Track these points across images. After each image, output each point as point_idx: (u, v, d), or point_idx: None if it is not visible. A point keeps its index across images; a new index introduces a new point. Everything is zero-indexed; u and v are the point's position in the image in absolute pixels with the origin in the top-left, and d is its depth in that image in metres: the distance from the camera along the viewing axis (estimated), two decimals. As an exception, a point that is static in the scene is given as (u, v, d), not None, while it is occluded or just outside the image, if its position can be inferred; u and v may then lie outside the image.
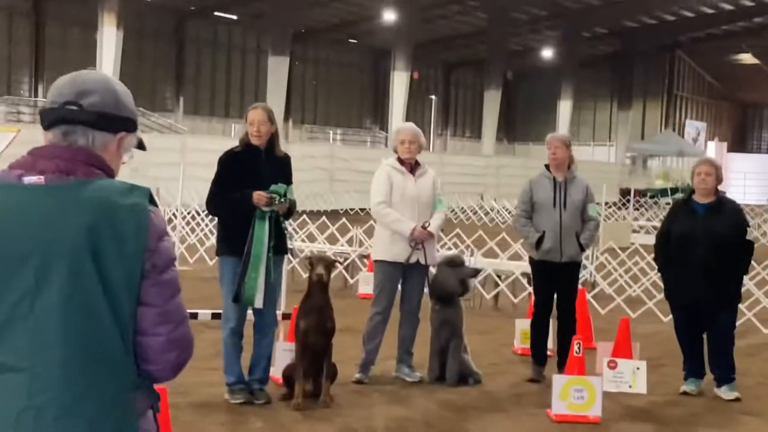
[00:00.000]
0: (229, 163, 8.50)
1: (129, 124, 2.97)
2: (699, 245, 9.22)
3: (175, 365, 2.88)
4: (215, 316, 9.14)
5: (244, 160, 8.46)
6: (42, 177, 2.79)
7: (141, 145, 3.07)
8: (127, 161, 3.04)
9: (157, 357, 2.84)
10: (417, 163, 9.72)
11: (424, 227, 9.45)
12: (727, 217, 9.39)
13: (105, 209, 2.76)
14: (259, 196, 8.22)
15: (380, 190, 9.56)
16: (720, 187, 9.66)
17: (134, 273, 2.77)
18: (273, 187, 8.29)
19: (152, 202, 2.87)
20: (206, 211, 9.00)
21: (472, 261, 14.79)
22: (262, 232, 8.28)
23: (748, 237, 9.42)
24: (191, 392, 8.71)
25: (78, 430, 2.71)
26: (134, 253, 2.76)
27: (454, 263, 9.82)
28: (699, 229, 9.28)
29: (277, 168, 8.49)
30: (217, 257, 8.85)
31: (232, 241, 8.38)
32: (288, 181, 8.50)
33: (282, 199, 8.33)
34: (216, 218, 9.10)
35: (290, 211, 8.56)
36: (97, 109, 2.87)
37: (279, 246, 8.48)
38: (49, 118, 2.89)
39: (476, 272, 10.43)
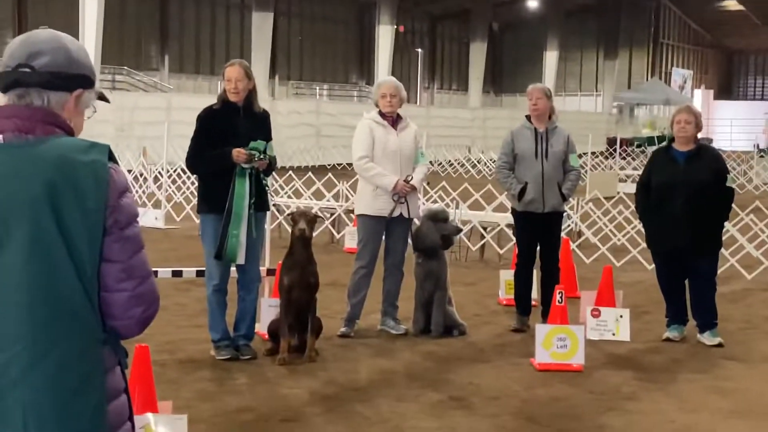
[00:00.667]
0: (207, 120, 8.49)
1: (84, 81, 2.96)
2: (679, 193, 9.27)
3: (140, 321, 2.90)
4: (200, 273, 9.16)
5: (222, 118, 8.43)
6: (1, 136, 2.82)
7: (102, 97, 3.08)
8: (90, 116, 3.05)
9: (123, 313, 2.86)
10: (399, 117, 9.71)
11: (406, 181, 9.48)
12: (707, 165, 9.42)
13: (64, 166, 2.77)
14: (238, 152, 8.22)
15: (362, 144, 9.56)
16: (707, 134, 9.68)
17: (96, 229, 2.79)
18: (252, 144, 8.29)
19: (112, 158, 2.88)
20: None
21: (457, 213, 14.85)
22: (242, 189, 8.29)
23: (728, 184, 9.46)
24: (177, 349, 8.79)
25: (44, 384, 2.74)
26: (95, 209, 2.78)
27: (436, 218, 9.84)
28: (679, 177, 9.32)
29: (256, 124, 8.46)
30: (198, 215, 8.82)
31: (213, 198, 8.39)
32: (267, 137, 8.49)
33: (262, 156, 8.33)
34: (197, 176, 9.09)
35: (270, 168, 8.57)
36: (48, 70, 2.87)
37: (260, 202, 8.49)
38: (4, 82, 2.90)
39: (458, 231, 10.36)
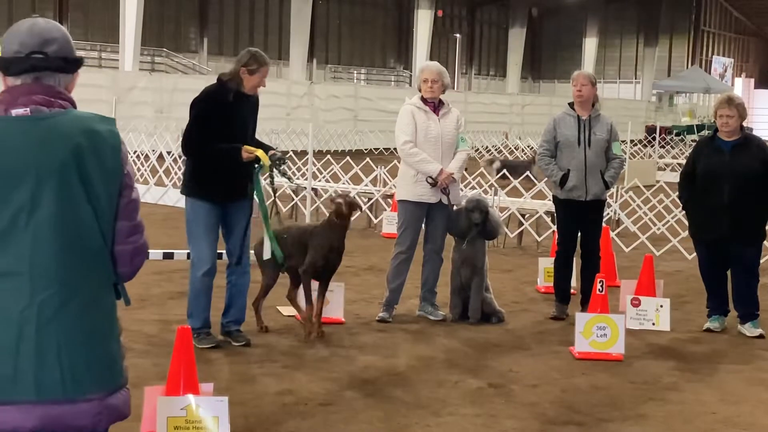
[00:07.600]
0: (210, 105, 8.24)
1: (80, 63, 3.43)
2: (724, 183, 9.18)
3: (138, 267, 3.44)
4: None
5: (222, 103, 8.19)
6: (27, 109, 3.23)
7: None
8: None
9: (129, 261, 3.37)
10: (441, 102, 9.66)
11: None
12: (754, 155, 9.31)
13: (87, 133, 3.24)
14: (248, 153, 8.03)
15: (405, 129, 9.52)
16: (747, 124, 9.54)
17: (113, 188, 3.28)
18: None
19: None
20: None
21: (495, 200, 14.81)
22: (262, 193, 8.38)
23: (773, 174, 9.35)
24: (217, 332, 8.75)
25: (72, 321, 3.20)
26: (113, 171, 3.27)
27: (471, 206, 9.74)
28: (725, 166, 9.22)
29: (252, 110, 8.39)
30: (186, 197, 8.39)
31: (210, 186, 8.18)
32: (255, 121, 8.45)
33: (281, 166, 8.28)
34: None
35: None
36: (60, 55, 3.32)
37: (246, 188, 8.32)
38: (18, 68, 3.29)
39: (478, 225, 10.04)
